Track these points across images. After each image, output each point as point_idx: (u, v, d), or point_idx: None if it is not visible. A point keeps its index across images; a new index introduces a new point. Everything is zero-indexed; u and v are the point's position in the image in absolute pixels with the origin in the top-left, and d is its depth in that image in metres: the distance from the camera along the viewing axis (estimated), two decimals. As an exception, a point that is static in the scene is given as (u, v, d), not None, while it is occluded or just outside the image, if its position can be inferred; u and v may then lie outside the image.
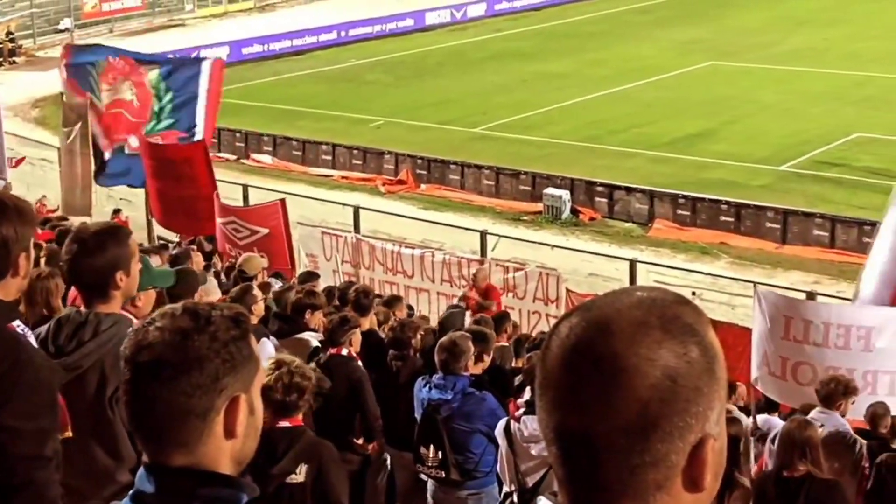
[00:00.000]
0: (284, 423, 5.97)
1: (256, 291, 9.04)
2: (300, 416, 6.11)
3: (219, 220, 15.86)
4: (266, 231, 15.23)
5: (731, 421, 7.52)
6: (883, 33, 44.80)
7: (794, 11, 50.58)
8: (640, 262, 18.44)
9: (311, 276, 12.55)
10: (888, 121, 31.40)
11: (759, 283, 17.85)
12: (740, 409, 11.33)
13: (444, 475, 7.83)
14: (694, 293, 20.13)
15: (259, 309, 8.90)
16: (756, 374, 11.49)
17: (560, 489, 1.70)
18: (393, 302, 12.18)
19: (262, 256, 12.61)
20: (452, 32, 49.40)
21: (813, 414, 8.76)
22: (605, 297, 1.70)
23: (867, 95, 34.74)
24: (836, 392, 8.72)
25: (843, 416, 8.95)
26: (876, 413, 9.16)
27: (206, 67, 18.29)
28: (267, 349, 8.86)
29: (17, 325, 3.59)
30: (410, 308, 15.10)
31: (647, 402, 1.58)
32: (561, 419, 1.64)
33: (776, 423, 9.79)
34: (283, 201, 16.66)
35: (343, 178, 29.71)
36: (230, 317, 2.25)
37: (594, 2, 55.76)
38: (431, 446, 7.80)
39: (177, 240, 17.63)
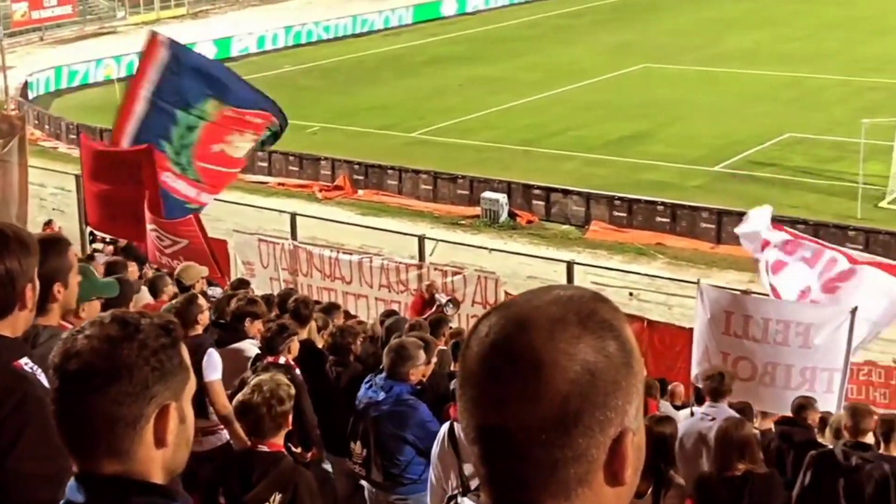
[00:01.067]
0: (263, 448, 5.90)
1: (202, 301, 8.93)
2: (280, 440, 6.03)
3: (148, 227, 15.65)
4: (186, 242, 14.98)
5: (663, 420, 7.54)
6: (811, 34, 45.56)
7: (724, 14, 51.25)
8: (577, 263, 18.48)
9: (242, 284, 12.41)
10: (818, 120, 31.91)
11: (694, 282, 18.07)
12: (678, 407, 11.39)
13: (365, 473, 7.86)
14: (631, 294, 20.29)
15: (205, 318, 8.80)
16: (697, 370, 11.55)
17: (483, 489, 1.69)
18: (331, 309, 12.11)
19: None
20: (388, 37, 49.40)
21: (703, 409, 8.79)
22: (524, 295, 1.70)
23: (797, 96, 35.27)
24: (722, 385, 8.75)
25: (737, 406, 9.01)
26: (801, 405, 9.23)
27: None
28: (248, 351, 8.82)
29: (26, 362, 3.42)
30: (348, 314, 15.04)
31: (567, 397, 1.58)
32: (482, 417, 1.64)
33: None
34: (196, 214, 16.44)
35: (279, 184, 29.55)
36: (160, 325, 2.22)
37: (528, 6, 56.09)
38: (359, 443, 7.84)
39: (105, 248, 17.36)
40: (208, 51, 44.36)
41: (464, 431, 1.69)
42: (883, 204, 24.83)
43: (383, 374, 7.83)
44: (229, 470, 5.96)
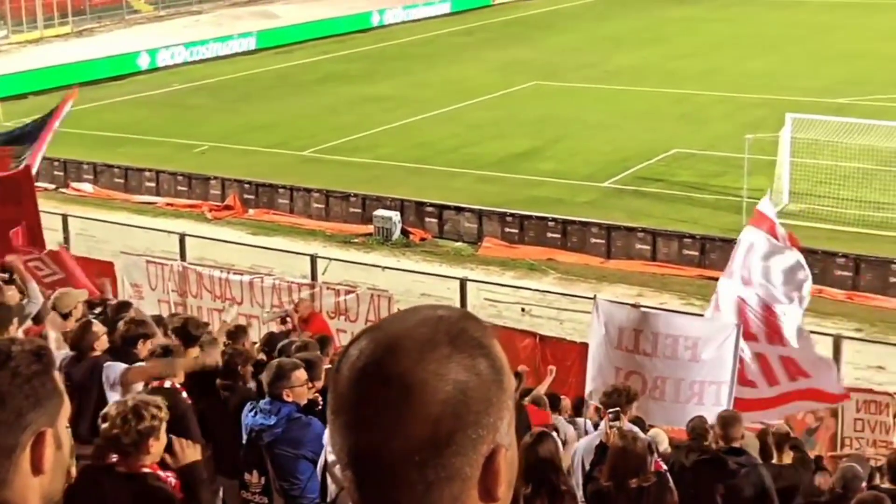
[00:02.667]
0: (121, 469, 5.76)
1: (98, 327, 8.77)
2: (146, 461, 5.85)
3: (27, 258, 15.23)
4: (63, 275, 14.61)
5: (544, 435, 7.59)
6: (697, 52, 46.52)
7: (613, 32, 52.06)
8: (470, 280, 18.57)
9: (123, 308, 12.12)
10: (704, 136, 32.55)
11: (585, 297, 18.24)
12: (567, 420, 11.45)
13: (267, 502, 7.72)
14: (524, 309, 20.39)
15: (102, 344, 8.61)
16: (591, 386, 11.62)
17: None
18: (238, 333, 11.91)
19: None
20: (279, 55, 49.06)
21: (602, 425, 8.87)
22: (393, 317, 1.71)
23: (684, 112, 35.95)
24: (620, 402, 8.84)
25: (631, 421, 9.10)
26: (696, 427, 9.32)
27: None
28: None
29: None
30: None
31: (440, 418, 1.59)
32: (355, 441, 1.63)
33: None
34: (63, 247, 16.09)
35: (168, 204, 29.09)
36: (32, 351, 2.17)
37: (419, 24, 56.28)
38: (255, 472, 7.70)
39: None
40: (95, 70, 43.59)
41: (337, 456, 1.67)
42: (767, 217, 25.35)
43: (266, 399, 7.71)
44: (84, 489, 5.78)
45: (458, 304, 16.94)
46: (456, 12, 58.98)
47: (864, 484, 8.54)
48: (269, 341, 12.01)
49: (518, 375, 10.68)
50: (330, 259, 20.06)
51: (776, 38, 48.95)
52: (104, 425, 5.78)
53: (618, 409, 8.71)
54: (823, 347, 15.00)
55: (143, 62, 46.05)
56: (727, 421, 8.37)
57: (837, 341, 14.69)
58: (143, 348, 8.91)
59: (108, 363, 8.01)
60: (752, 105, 35.93)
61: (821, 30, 50.33)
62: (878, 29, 49.63)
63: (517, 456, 1.71)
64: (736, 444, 8.22)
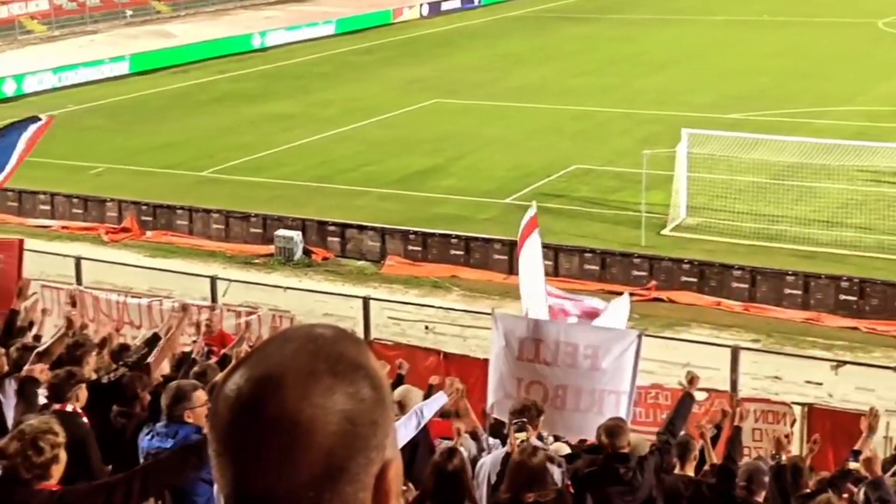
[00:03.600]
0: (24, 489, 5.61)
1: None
2: (50, 482, 5.70)
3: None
4: None
5: (453, 452, 7.58)
6: (594, 69, 47.14)
7: (512, 50, 52.50)
8: (373, 299, 18.44)
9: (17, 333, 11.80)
10: (602, 152, 32.95)
11: (488, 313, 18.27)
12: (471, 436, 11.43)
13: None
14: (427, 327, 20.38)
15: (1, 366, 8.39)
16: (492, 399, 11.61)
17: None
18: (121, 352, 11.67)
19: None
20: (176, 75, 48.49)
21: (509, 438, 8.91)
22: (269, 346, 1.65)
23: (583, 129, 36.36)
24: (531, 415, 8.90)
25: (540, 437, 9.15)
26: (609, 428, 9.40)
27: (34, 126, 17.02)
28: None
29: None
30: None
31: (331, 451, 1.57)
32: (242, 484, 1.58)
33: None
34: (20, 241, 15.64)
35: (63, 227, 28.50)
36: None
37: (319, 43, 56.11)
38: (151, 499, 7.54)
39: None
40: (-15, 90, 42.60)
41: (223, 495, 1.61)
42: (665, 231, 25.76)
43: (162, 422, 7.57)
44: None
45: (361, 324, 16.86)
46: (345, 32, 58.59)
47: (766, 478, 8.69)
48: (179, 363, 11.78)
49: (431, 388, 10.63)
50: (230, 280, 19.79)
51: (671, 55, 49.85)
52: (3, 461, 5.64)
53: (524, 420, 8.73)
54: (722, 358, 15.25)
55: (35, 83, 45.17)
56: (613, 430, 8.48)
57: (735, 352, 14.89)
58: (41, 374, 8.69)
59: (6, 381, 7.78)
60: (649, 121, 36.48)
61: (714, 47, 51.39)
62: (769, 46, 50.85)
63: (401, 463, 1.70)
64: (624, 451, 8.34)
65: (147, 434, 7.71)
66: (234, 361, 11.01)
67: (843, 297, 21.87)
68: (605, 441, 8.41)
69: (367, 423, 1.60)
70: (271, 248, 26.00)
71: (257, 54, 53.17)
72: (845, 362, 17.12)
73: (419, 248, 25.44)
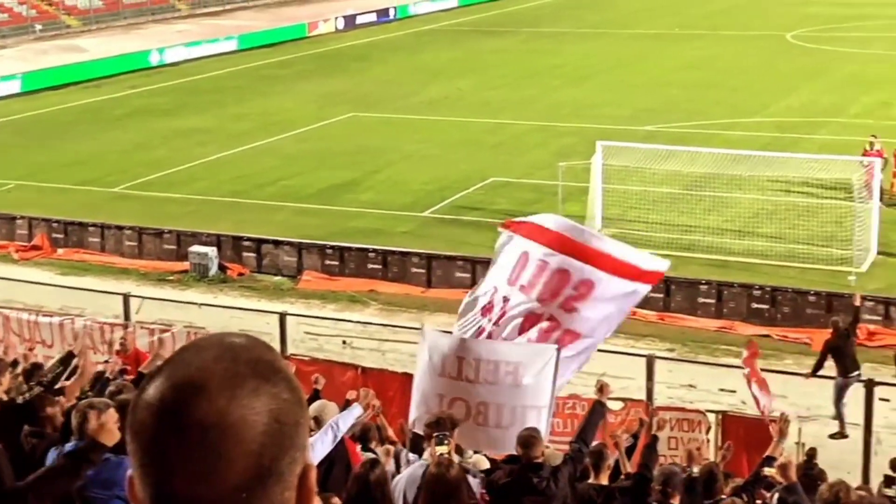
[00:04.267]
0: None
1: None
2: None
3: None
4: None
5: (375, 463, 7.54)
6: (512, 82, 47.43)
7: (428, 63, 52.63)
8: (290, 314, 18.35)
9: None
10: (518, 165, 33.13)
11: (406, 327, 18.26)
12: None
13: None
14: (345, 342, 20.29)
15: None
16: (415, 414, 11.56)
17: None
18: (34, 371, 11.42)
19: None
20: (87, 89, 47.78)
21: (426, 453, 8.88)
22: (186, 354, 1.65)
23: (499, 141, 36.53)
24: (447, 427, 8.89)
25: (459, 450, 9.15)
26: (523, 439, 9.41)
27: None
28: None
29: None
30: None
31: (261, 451, 1.58)
32: (168, 489, 1.57)
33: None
34: None
35: (-29, 246, 27.88)
36: None
37: (233, 56, 55.71)
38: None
39: None
40: None
41: (143, 500, 1.60)
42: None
43: (72, 442, 7.41)
44: None
45: (278, 339, 16.74)
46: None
47: (681, 482, 8.78)
48: (93, 383, 11.54)
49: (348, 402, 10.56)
50: (144, 298, 19.57)
51: (586, 68, 50.35)
52: None
53: (445, 433, 8.71)
54: (637, 368, 15.41)
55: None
56: (527, 441, 8.52)
57: (650, 361, 15.07)
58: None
59: None
60: (565, 133, 36.79)
61: (629, 60, 52.01)
62: (682, 59, 51.62)
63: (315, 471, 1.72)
64: (538, 461, 8.39)
65: (56, 454, 7.55)
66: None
67: (755, 305, 22.22)
68: (520, 452, 8.44)
69: (292, 422, 1.62)
70: (186, 265, 25.69)
71: (169, 69, 52.56)
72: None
73: (336, 263, 25.33)
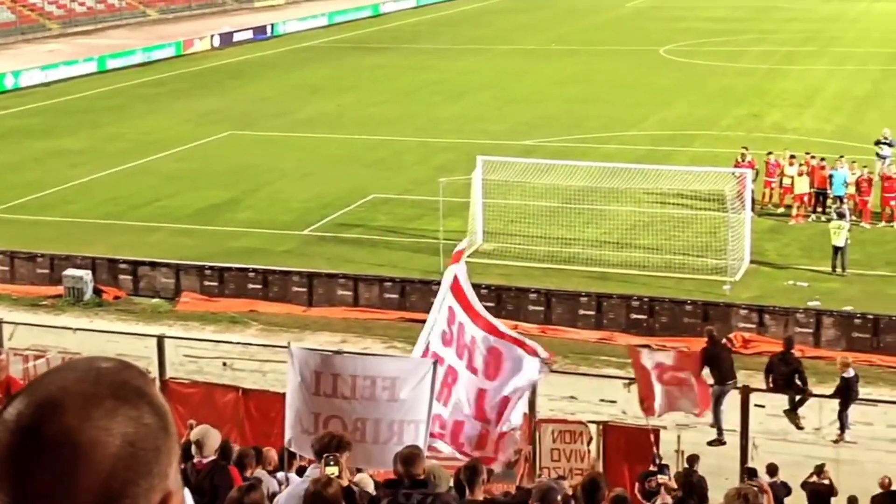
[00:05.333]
0: None
1: None
2: None
3: None
4: None
5: (252, 488, 7.42)
6: (391, 98, 47.49)
7: (307, 80, 52.39)
8: (168, 337, 18.00)
9: None
10: (399, 181, 33.14)
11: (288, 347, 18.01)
12: (271, 472, 11.24)
13: None
14: (225, 364, 19.99)
15: None
16: (290, 434, 11.46)
17: None
18: None
19: None
20: (-46, 111, 46.39)
21: (308, 472, 8.80)
22: (49, 375, 1.65)
23: (380, 158, 36.49)
24: (336, 447, 8.81)
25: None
26: (404, 457, 9.35)
27: None
28: None
29: None
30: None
31: (111, 473, 1.56)
32: None
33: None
34: None
35: None
36: None
37: (107, 76, 54.66)
38: None
39: None
40: None
41: None
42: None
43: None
44: None
45: (156, 363, 16.39)
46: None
47: (560, 496, 8.80)
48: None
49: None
50: (17, 324, 19.06)
51: (465, 84, 50.69)
52: None
53: (336, 454, 8.61)
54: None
55: None
56: (408, 458, 8.48)
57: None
58: None
59: None
60: (445, 149, 36.94)
61: (508, 76, 52.51)
62: (559, 74, 52.33)
63: (182, 499, 1.70)
64: (420, 478, 8.36)
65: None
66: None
67: (634, 316, 22.56)
68: (401, 469, 8.40)
69: (150, 448, 1.60)
70: (60, 289, 25.03)
71: (39, 90, 51.29)
72: (637, 379, 17.62)
73: (215, 284, 24.96)
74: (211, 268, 25.19)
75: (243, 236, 28.36)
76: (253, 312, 24.01)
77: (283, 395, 14.15)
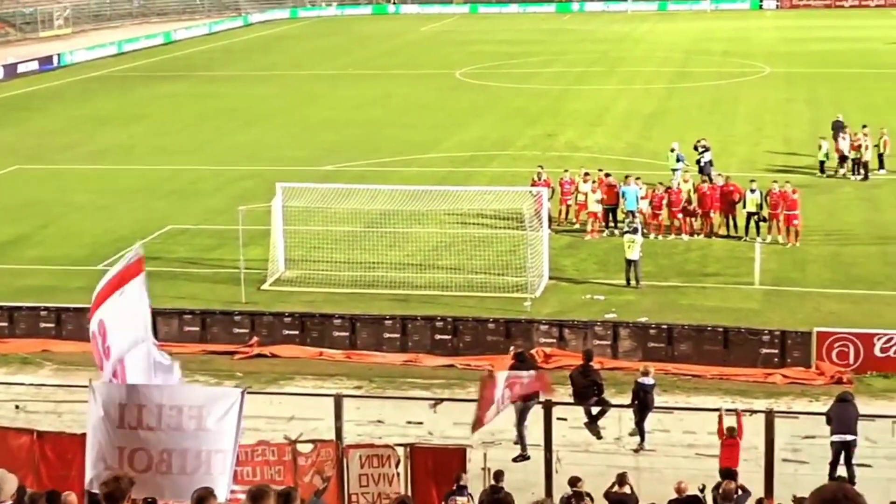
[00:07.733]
0: None
1: None
2: None
3: None
4: None
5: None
6: (183, 127, 46.63)
7: (96, 111, 50.94)
8: (-48, 383, 17.10)
9: None
10: (196, 210, 32.50)
11: (84, 386, 17.34)
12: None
13: None
14: (17, 407, 19.12)
15: None
16: (91, 473, 11.02)
17: None
18: None
19: None
20: None
21: None
22: None
23: (175, 188, 35.71)
24: (119, 489, 8.53)
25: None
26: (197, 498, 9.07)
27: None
28: None
29: None
30: None
31: None
32: None
33: None
34: None
35: None
36: None
37: None
38: None
39: None
40: None
41: None
42: (265, 286, 25.68)
43: None
44: None
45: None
46: None
47: None
48: None
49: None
50: None
51: (261, 110, 50.26)
52: None
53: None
54: (326, 408, 15.31)
55: None
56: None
57: (338, 400, 15.02)
58: None
59: None
60: (243, 177, 36.45)
61: (304, 101, 52.35)
62: (355, 98, 52.49)
63: None
64: None
65: None
66: None
67: (438, 336, 22.68)
68: None
69: None
70: None
71: None
72: (443, 399, 17.73)
73: (6, 324, 23.86)
74: (0, 308, 24.07)
75: (34, 274, 27.25)
76: (46, 352, 23.04)
77: (81, 436, 13.63)
